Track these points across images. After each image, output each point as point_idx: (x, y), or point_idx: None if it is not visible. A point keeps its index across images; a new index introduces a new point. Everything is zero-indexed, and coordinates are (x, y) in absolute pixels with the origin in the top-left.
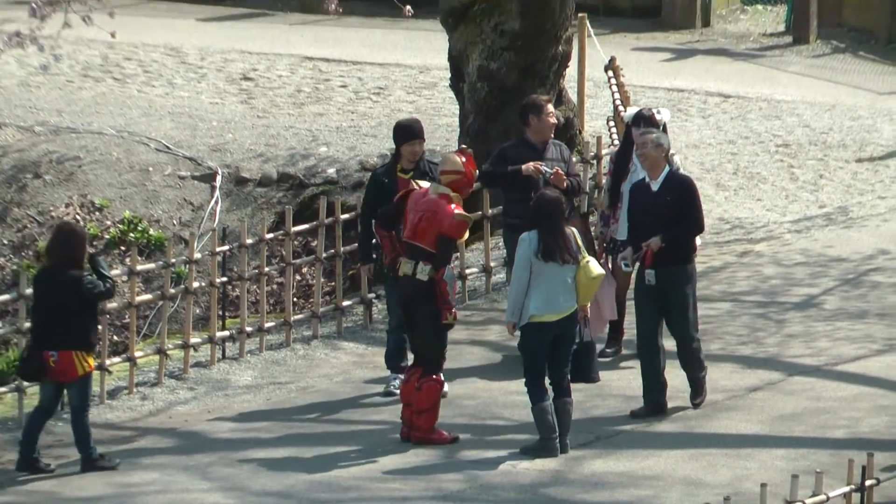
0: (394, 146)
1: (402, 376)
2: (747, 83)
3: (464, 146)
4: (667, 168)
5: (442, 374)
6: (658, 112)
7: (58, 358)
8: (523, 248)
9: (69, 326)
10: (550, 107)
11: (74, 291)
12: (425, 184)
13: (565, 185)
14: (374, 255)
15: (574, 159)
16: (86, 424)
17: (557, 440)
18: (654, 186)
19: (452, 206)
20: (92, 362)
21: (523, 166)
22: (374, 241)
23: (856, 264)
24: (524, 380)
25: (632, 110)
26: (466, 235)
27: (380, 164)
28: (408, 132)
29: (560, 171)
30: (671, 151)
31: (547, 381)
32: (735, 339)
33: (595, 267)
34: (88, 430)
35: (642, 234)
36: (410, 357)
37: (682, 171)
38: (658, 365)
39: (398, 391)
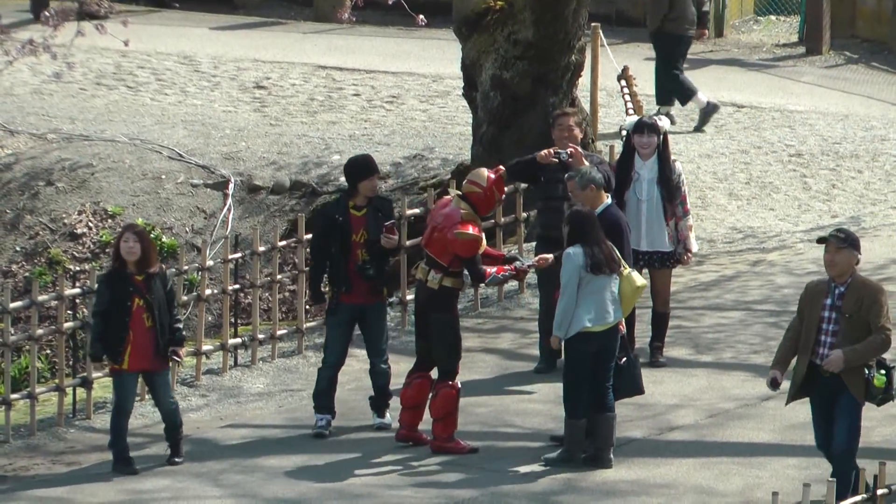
0: (356, 175)
1: (329, 416)
2: (760, 93)
3: (500, 166)
4: (606, 201)
5: (459, 381)
6: (659, 119)
7: None
8: (570, 263)
9: None
10: (569, 119)
11: None
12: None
13: (585, 163)
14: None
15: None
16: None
17: (583, 456)
18: None
19: (460, 223)
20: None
21: (538, 154)
22: (368, 269)
23: (868, 274)
24: (563, 392)
25: (632, 118)
26: (481, 250)
27: (392, 171)
28: (367, 168)
29: (578, 150)
30: (672, 158)
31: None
32: (747, 348)
33: (637, 277)
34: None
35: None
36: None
37: (683, 177)
38: None
39: (327, 432)
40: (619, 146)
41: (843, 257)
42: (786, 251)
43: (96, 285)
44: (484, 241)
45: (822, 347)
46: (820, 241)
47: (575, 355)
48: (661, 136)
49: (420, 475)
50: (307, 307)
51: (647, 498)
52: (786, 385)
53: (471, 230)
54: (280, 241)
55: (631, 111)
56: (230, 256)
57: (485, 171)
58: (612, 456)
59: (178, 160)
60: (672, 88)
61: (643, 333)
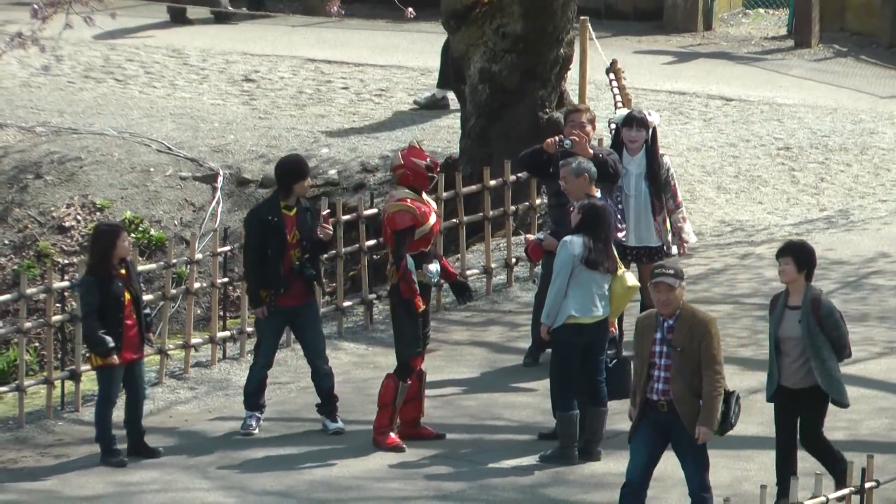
0: (290, 179)
1: (259, 415)
2: (749, 86)
3: (413, 140)
4: (595, 195)
5: (407, 380)
6: (649, 114)
7: None
8: (565, 251)
9: None
10: (582, 115)
11: None
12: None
13: (590, 151)
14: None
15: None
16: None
17: (576, 449)
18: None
19: (395, 201)
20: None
21: (545, 142)
22: (308, 269)
23: (856, 267)
24: (550, 386)
25: (622, 112)
26: (421, 231)
27: (381, 164)
28: (301, 170)
29: (583, 138)
30: (661, 152)
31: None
32: (735, 342)
33: (630, 277)
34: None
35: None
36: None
37: (672, 171)
38: None
39: (256, 431)
40: (607, 139)
41: (676, 295)
42: (774, 244)
43: (80, 287)
44: (419, 217)
45: (656, 382)
46: (655, 277)
47: (561, 346)
48: (651, 131)
49: (408, 468)
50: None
51: None
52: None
53: (400, 203)
54: None
55: (620, 105)
56: (219, 249)
57: (398, 153)
58: (600, 449)
59: (166, 153)
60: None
61: (631, 327)
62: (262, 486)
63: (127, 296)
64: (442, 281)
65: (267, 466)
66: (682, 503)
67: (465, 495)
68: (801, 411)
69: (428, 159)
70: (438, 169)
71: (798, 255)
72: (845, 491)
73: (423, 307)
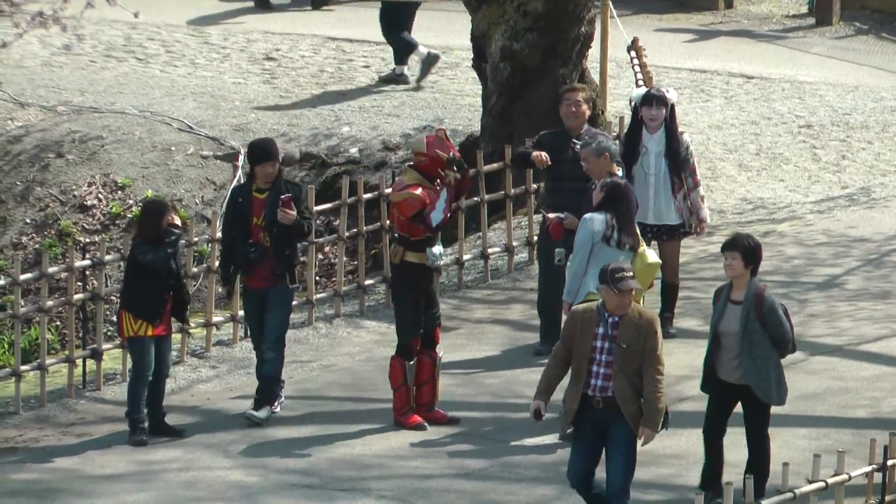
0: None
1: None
2: (770, 64)
3: (441, 127)
4: (617, 174)
5: (412, 359)
6: (667, 91)
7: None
8: (586, 228)
9: None
10: (578, 94)
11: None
12: None
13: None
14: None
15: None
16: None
17: None
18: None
19: (403, 188)
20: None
21: (533, 154)
22: (252, 252)
23: (878, 245)
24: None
25: (640, 90)
26: (431, 211)
27: (402, 143)
28: (262, 153)
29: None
30: (681, 130)
31: None
32: None
33: (651, 254)
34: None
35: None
36: None
37: (692, 148)
38: None
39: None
40: (629, 117)
41: (634, 296)
42: (796, 222)
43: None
44: (429, 202)
45: (595, 378)
46: (618, 281)
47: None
48: (669, 109)
49: (430, 446)
50: (317, 278)
51: (656, 468)
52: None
53: (406, 192)
54: None
55: (640, 83)
56: None
57: (422, 138)
58: None
59: (187, 132)
60: (395, 45)
61: (653, 305)
62: (284, 464)
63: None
64: (452, 262)
65: (289, 445)
66: None
67: (487, 473)
68: (744, 408)
69: (451, 153)
70: (460, 166)
71: (745, 251)
72: (868, 468)
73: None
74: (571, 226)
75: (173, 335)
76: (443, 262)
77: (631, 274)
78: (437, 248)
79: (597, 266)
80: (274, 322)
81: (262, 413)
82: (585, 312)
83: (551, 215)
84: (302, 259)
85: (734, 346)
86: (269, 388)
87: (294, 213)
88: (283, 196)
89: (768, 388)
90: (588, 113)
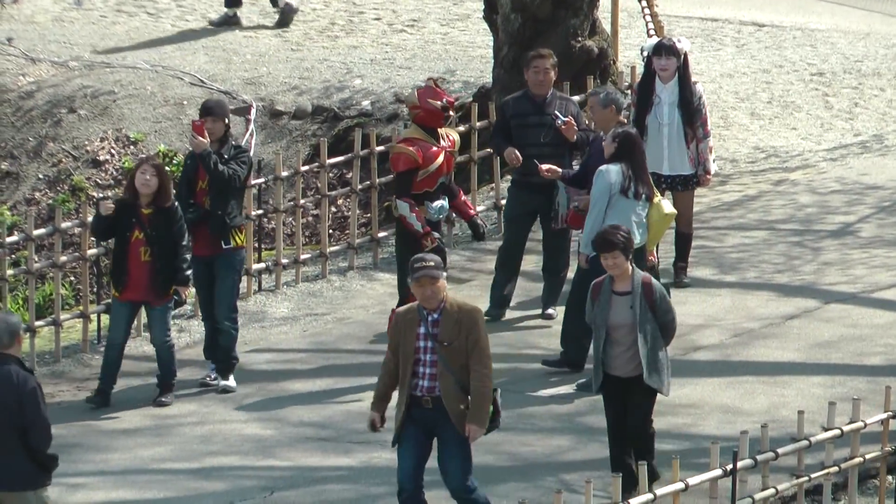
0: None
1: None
2: (781, 12)
3: (431, 76)
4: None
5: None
6: (679, 41)
7: None
8: (603, 180)
9: None
10: (546, 61)
11: None
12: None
13: (574, 137)
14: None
15: (584, 114)
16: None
17: None
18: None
19: (400, 141)
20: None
21: (506, 152)
22: (191, 213)
23: (891, 192)
24: (567, 315)
25: (652, 40)
26: (425, 172)
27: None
28: (204, 111)
29: (572, 122)
30: (693, 79)
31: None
32: (771, 268)
33: (667, 205)
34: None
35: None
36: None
37: (704, 98)
38: None
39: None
40: (640, 67)
41: (440, 287)
42: (808, 170)
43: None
44: (417, 161)
45: (421, 379)
46: (415, 272)
47: (596, 275)
48: (682, 58)
49: None
50: (330, 231)
51: (672, 418)
52: None
53: (402, 146)
54: (303, 165)
55: (652, 32)
56: (253, 182)
57: (414, 92)
58: None
59: (199, 86)
60: None
61: (667, 254)
62: (299, 417)
63: (137, 235)
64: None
65: (304, 398)
66: (720, 429)
67: (503, 424)
68: (630, 399)
69: (444, 99)
70: (454, 108)
71: (624, 247)
72: (883, 415)
73: (431, 245)
74: (587, 207)
75: (188, 290)
76: (443, 216)
77: (432, 264)
78: (438, 203)
79: (615, 218)
80: (224, 290)
81: (232, 381)
82: (407, 313)
83: (544, 167)
84: (314, 212)
85: (626, 339)
86: (228, 358)
87: (206, 140)
88: (195, 121)
89: (661, 377)
90: (554, 79)
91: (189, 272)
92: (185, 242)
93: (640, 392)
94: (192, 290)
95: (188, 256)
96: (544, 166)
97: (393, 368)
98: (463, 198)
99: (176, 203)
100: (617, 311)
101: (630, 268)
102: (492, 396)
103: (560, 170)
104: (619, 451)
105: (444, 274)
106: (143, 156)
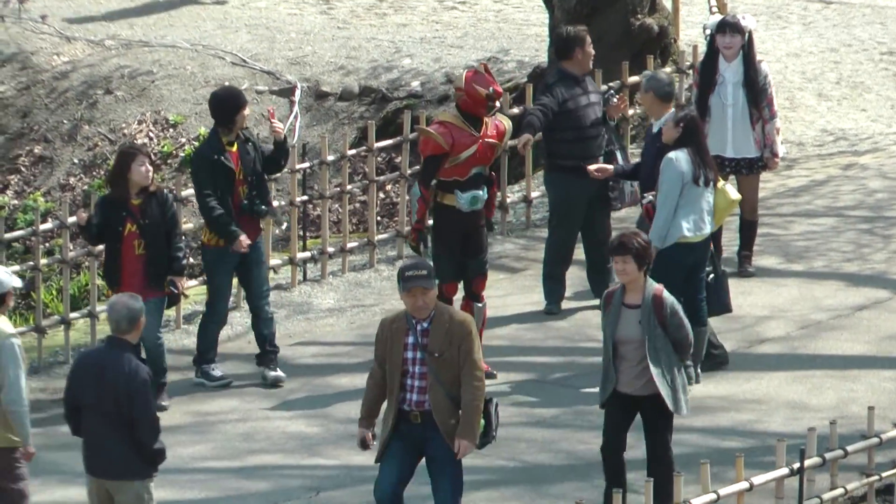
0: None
1: (215, 364)
2: None
3: (481, 62)
4: (671, 111)
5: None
6: (743, 18)
7: None
8: (673, 169)
9: None
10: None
11: None
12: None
13: (617, 117)
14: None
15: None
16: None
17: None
18: (655, 129)
19: (435, 123)
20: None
21: (519, 146)
22: (257, 205)
23: None
24: None
25: (715, 17)
26: (452, 160)
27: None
28: (238, 99)
29: (625, 100)
30: (759, 58)
31: None
32: (840, 256)
33: (732, 190)
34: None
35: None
36: None
37: (770, 78)
38: None
39: (218, 373)
40: (702, 46)
41: (431, 297)
42: (879, 154)
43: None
44: (445, 146)
45: (409, 392)
46: (407, 281)
47: (670, 267)
48: (747, 36)
49: (498, 394)
50: (378, 218)
51: (736, 414)
52: None
53: (432, 129)
54: (349, 149)
55: (714, 10)
56: (298, 166)
57: (463, 73)
58: (699, 371)
59: (241, 66)
60: None
61: (731, 242)
62: (345, 413)
63: (130, 228)
64: (519, 199)
65: (351, 394)
66: (786, 426)
67: (558, 421)
68: (646, 422)
69: (491, 87)
70: (500, 98)
71: (637, 253)
72: None
73: (412, 243)
74: None
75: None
76: (479, 206)
77: (425, 273)
78: (469, 193)
79: (687, 207)
80: (262, 277)
81: (280, 371)
82: (394, 322)
83: (592, 167)
84: (362, 198)
85: (635, 355)
86: (275, 345)
87: (281, 125)
88: (270, 108)
89: (676, 396)
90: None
91: (185, 261)
92: (179, 231)
93: (654, 413)
94: (187, 281)
95: (182, 245)
96: (592, 167)
97: (380, 380)
98: (493, 189)
99: (165, 189)
100: (625, 325)
101: (643, 279)
102: (482, 409)
103: (610, 167)
104: (615, 483)
105: (437, 282)
106: (124, 144)
